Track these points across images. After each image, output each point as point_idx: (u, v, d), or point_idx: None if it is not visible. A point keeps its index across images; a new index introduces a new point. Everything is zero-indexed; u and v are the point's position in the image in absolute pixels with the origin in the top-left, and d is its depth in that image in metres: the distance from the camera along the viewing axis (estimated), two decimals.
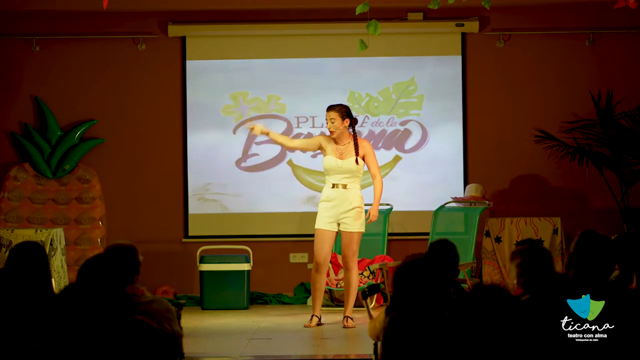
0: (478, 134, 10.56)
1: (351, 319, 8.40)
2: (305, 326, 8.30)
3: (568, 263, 4.59)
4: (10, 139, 10.58)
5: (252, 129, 8.51)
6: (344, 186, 8.31)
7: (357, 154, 8.31)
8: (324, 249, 8.31)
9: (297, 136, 10.45)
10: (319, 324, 8.40)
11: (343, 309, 8.54)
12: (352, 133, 8.39)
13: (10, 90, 10.59)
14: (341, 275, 9.63)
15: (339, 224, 8.32)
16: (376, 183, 8.44)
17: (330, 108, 8.37)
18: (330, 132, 8.34)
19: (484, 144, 10.55)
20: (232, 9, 10.53)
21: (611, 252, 4.55)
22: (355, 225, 8.30)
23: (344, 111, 8.33)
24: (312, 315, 8.40)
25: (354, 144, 8.34)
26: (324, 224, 8.31)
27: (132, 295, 4.96)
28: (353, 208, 8.28)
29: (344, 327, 8.34)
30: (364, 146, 8.38)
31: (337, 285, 9.79)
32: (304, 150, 8.99)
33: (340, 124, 8.30)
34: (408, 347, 4.09)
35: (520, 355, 3.86)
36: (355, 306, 9.58)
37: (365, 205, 9.16)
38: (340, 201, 8.28)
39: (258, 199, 10.60)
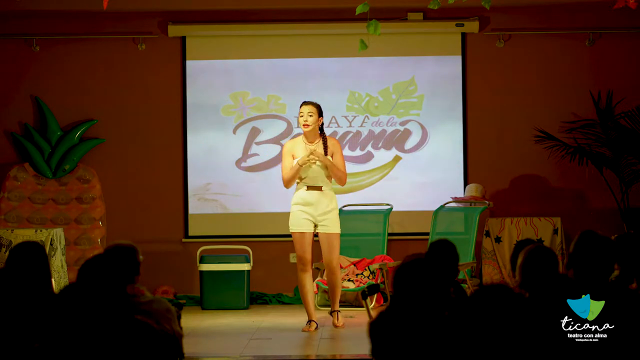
0: (478, 134, 10.55)
1: (339, 312, 8.29)
2: (303, 331, 8.22)
3: (568, 263, 4.59)
4: (10, 139, 10.58)
5: (312, 153, 8.12)
6: (319, 188, 8.18)
7: (325, 151, 8.17)
8: (306, 251, 8.19)
9: (296, 137, 10.41)
10: (317, 328, 8.25)
11: (345, 308, 8.49)
12: (320, 133, 8.28)
13: (10, 90, 10.59)
14: (342, 273, 9.58)
15: (316, 226, 8.19)
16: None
17: (308, 102, 8.27)
18: (305, 125, 8.19)
19: (484, 144, 10.55)
20: (232, 9, 10.53)
21: (611, 252, 4.55)
22: (335, 226, 8.20)
23: (320, 109, 8.27)
24: (310, 321, 8.26)
25: (323, 142, 8.24)
26: (303, 226, 8.17)
27: (132, 295, 4.96)
28: (330, 210, 8.18)
29: (335, 326, 8.23)
30: (333, 144, 8.27)
31: None
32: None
33: (316, 120, 8.21)
34: (407, 346, 4.09)
35: (521, 355, 3.86)
36: (355, 306, 9.61)
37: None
38: (317, 204, 8.16)
39: (258, 199, 10.59)
